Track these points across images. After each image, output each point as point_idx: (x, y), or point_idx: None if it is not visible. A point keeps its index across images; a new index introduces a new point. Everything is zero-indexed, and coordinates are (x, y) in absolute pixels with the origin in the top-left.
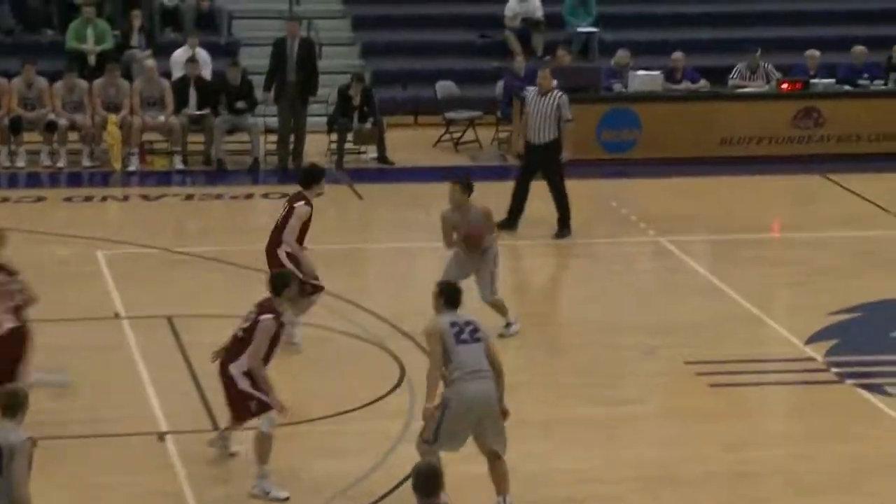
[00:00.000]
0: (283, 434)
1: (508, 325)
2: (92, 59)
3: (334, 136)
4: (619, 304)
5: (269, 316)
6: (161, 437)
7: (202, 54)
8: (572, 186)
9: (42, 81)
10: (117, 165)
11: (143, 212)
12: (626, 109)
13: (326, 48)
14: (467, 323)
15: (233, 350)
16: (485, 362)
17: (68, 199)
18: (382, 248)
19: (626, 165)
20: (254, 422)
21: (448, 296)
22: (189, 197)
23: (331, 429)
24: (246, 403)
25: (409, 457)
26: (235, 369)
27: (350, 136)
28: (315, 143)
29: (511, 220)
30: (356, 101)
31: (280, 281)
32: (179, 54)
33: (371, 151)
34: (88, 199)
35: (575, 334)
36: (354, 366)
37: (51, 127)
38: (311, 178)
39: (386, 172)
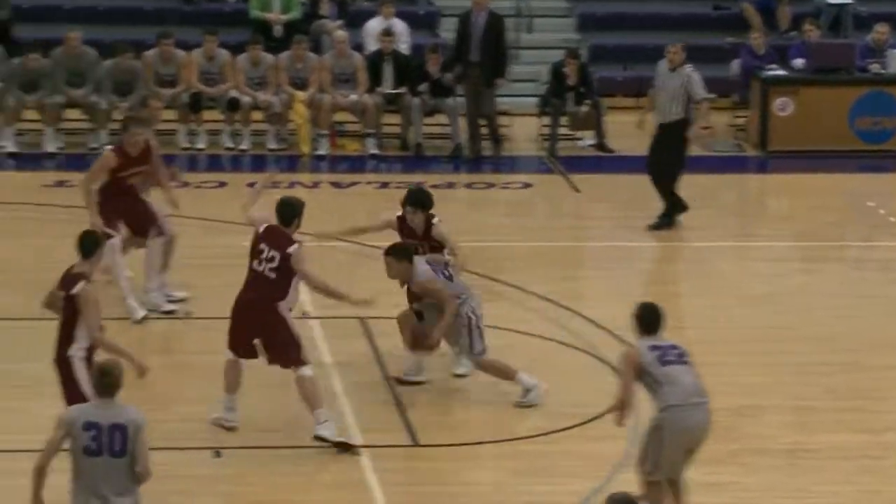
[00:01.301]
0: (487, 453)
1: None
2: (278, 30)
3: (546, 120)
4: (877, 317)
5: (296, 245)
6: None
7: (399, 26)
8: (820, 181)
9: (224, 54)
10: (305, 148)
11: (333, 200)
12: (885, 93)
13: (538, 20)
14: (672, 347)
15: (272, 290)
16: (701, 387)
17: (252, 185)
18: (601, 246)
19: (885, 158)
20: None
21: (645, 318)
22: (384, 185)
23: (541, 449)
24: (297, 345)
25: (629, 483)
26: (284, 309)
27: (564, 120)
28: (524, 126)
29: (667, 218)
30: (571, 80)
31: (289, 210)
32: (373, 25)
33: (588, 137)
34: (274, 185)
35: (826, 351)
36: (568, 379)
37: (233, 105)
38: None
39: (605, 161)
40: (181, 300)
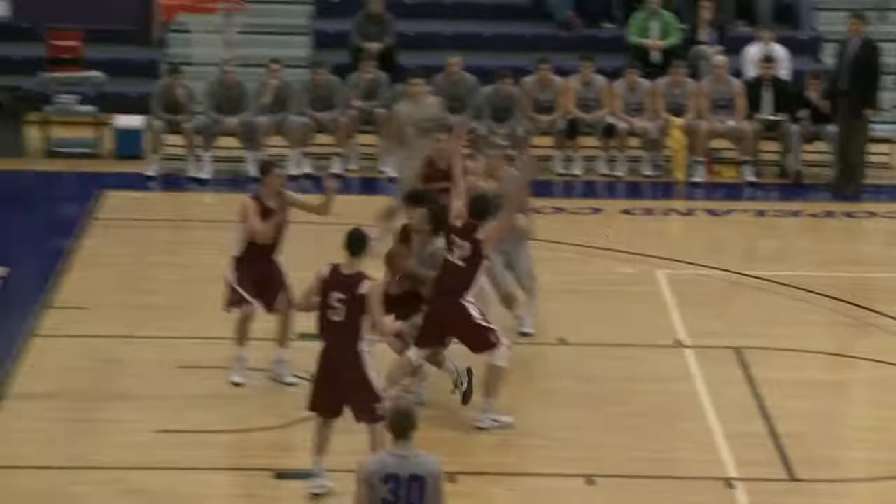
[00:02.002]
0: (866, 491)
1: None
2: (656, 56)
3: None
4: None
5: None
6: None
7: (779, 51)
8: None
9: (601, 80)
10: (681, 175)
11: (708, 228)
12: None
13: None
14: None
15: (459, 281)
16: None
17: (627, 212)
18: None
19: None
20: None
21: None
22: (760, 213)
23: None
24: (486, 335)
25: None
26: (468, 301)
27: None
28: None
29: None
30: None
31: (482, 204)
32: (753, 51)
33: None
34: (649, 211)
35: None
36: None
37: (609, 131)
38: None
39: None
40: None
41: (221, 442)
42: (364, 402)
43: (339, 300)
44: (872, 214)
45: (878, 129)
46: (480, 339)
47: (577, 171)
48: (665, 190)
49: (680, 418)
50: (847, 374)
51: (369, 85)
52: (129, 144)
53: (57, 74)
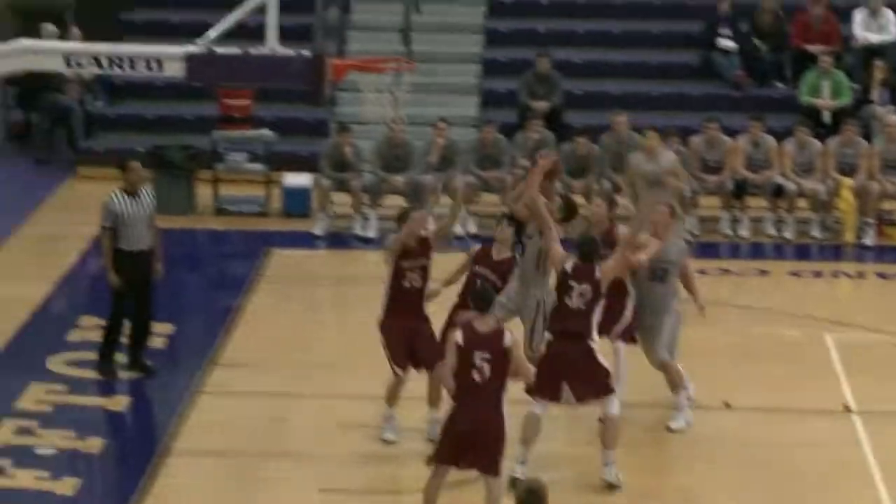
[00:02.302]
0: None
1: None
2: (826, 116)
3: None
4: None
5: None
6: None
7: None
8: None
9: (769, 140)
10: (850, 237)
11: (879, 292)
12: None
13: None
14: None
15: (582, 323)
16: None
17: (795, 274)
18: None
19: None
20: None
21: None
22: None
23: None
24: (607, 380)
25: None
26: (594, 343)
27: None
28: None
29: None
30: None
31: (591, 247)
32: None
33: None
34: (817, 274)
35: None
36: None
37: (778, 191)
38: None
39: None
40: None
41: (381, 502)
42: (490, 455)
43: (484, 359)
44: None
45: None
46: (602, 384)
47: (744, 233)
48: (834, 252)
49: (848, 487)
50: None
51: (536, 144)
52: (296, 203)
53: (228, 133)
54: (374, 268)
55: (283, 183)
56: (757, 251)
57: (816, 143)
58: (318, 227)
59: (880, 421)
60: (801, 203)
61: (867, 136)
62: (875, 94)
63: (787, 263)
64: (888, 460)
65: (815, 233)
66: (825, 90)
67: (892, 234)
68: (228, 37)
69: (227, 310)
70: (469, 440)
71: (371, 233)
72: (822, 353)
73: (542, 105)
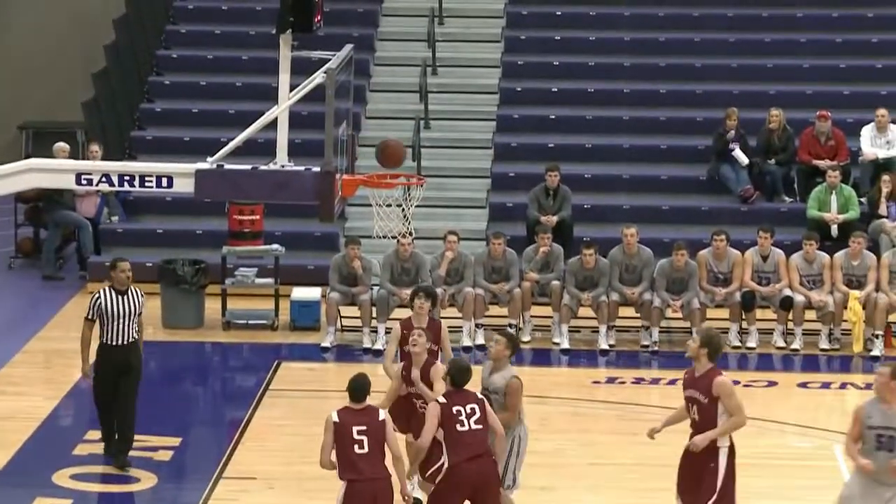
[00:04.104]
0: None
1: None
2: (834, 230)
3: None
4: None
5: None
6: None
7: None
8: None
9: (778, 253)
10: (858, 348)
11: None
12: None
13: None
14: None
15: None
16: None
17: (803, 385)
18: None
19: None
20: None
21: None
22: None
23: None
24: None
25: None
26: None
27: None
28: None
29: None
30: None
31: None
32: None
33: None
34: (825, 385)
35: None
36: None
37: (786, 303)
38: None
39: None
40: None
41: None
42: None
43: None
44: None
45: None
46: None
47: (752, 344)
48: (842, 363)
49: None
50: None
51: (545, 257)
52: (305, 316)
53: (237, 248)
54: (382, 381)
55: (292, 296)
56: (765, 363)
57: (824, 256)
58: (326, 340)
59: None
60: (809, 315)
61: (875, 249)
62: (883, 207)
63: (796, 375)
64: None
65: (823, 344)
66: (833, 204)
67: None
68: (239, 153)
69: (234, 422)
70: None
71: (379, 345)
72: (832, 465)
73: (551, 219)
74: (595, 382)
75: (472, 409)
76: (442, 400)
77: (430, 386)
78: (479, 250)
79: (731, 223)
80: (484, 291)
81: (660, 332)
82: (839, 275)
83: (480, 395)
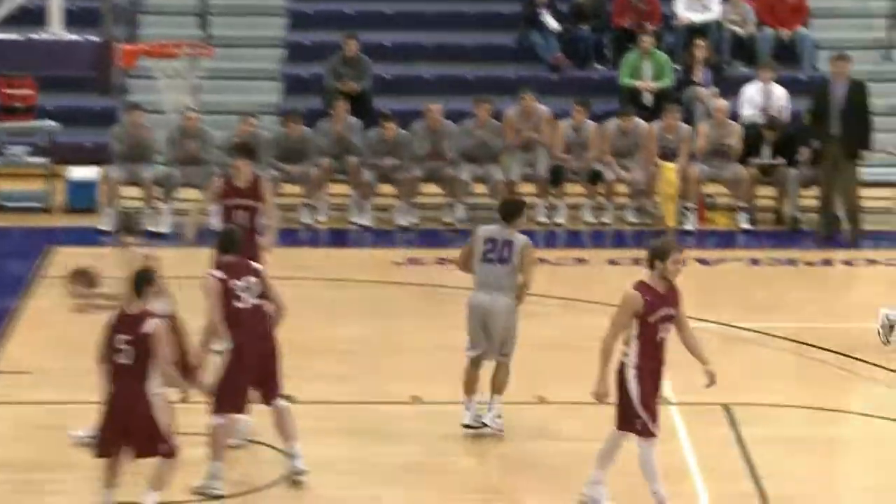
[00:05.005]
0: None
1: None
2: (648, 98)
3: None
4: None
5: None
6: None
7: (778, 92)
8: None
9: (590, 125)
10: (671, 223)
11: (699, 278)
12: None
13: None
14: None
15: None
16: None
17: (613, 262)
18: None
19: None
20: None
21: None
22: (754, 262)
23: None
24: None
25: None
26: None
27: None
28: None
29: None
30: None
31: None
32: (751, 92)
33: None
34: (636, 262)
35: None
36: None
37: (596, 177)
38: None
39: None
40: None
41: None
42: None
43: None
44: (872, 262)
45: (881, 174)
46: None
47: (560, 220)
48: (654, 238)
49: (664, 479)
50: (842, 430)
51: (341, 132)
52: (82, 197)
53: (8, 124)
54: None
55: (68, 176)
56: (574, 239)
57: (640, 124)
58: (104, 223)
59: (698, 412)
60: (621, 188)
61: (689, 119)
62: (698, 74)
63: (606, 251)
64: (705, 453)
65: (634, 218)
66: (646, 71)
67: (713, 219)
68: (9, 22)
69: (4, 313)
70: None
71: (163, 228)
72: None
73: (350, 86)
74: (396, 263)
75: (250, 283)
76: (218, 275)
77: None
78: (272, 126)
79: (541, 93)
80: (278, 173)
81: (466, 208)
82: (653, 147)
83: (257, 266)
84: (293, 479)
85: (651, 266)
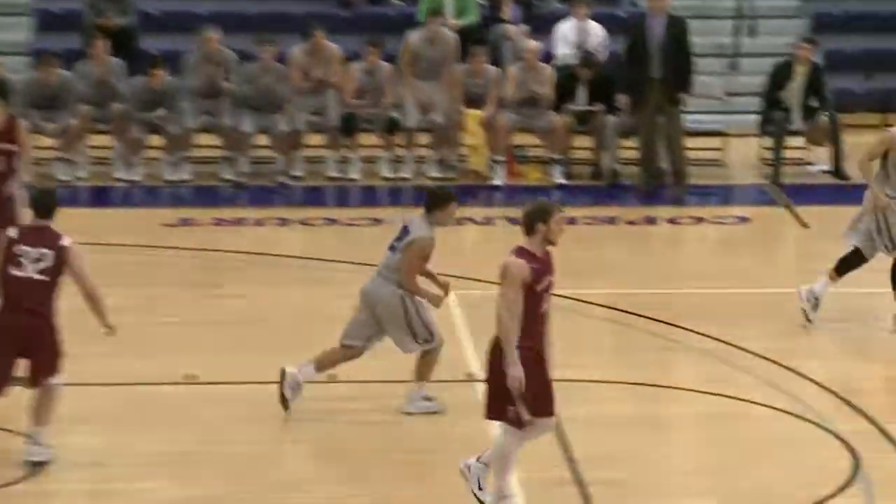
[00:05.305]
0: None
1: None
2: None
3: (768, 141)
4: None
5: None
6: None
7: (595, 30)
8: None
9: (386, 68)
10: (478, 178)
11: (508, 239)
12: None
13: (763, 22)
14: None
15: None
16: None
17: None
18: (833, 294)
19: None
20: None
21: None
22: (570, 221)
23: None
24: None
25: None
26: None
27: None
28: (743, 149)
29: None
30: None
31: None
32: (565, 30)
33: (821, 161)
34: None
35: None
36: (789, 453)
37: (393, 126)
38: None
39: (840, 191)
40: None
41: None
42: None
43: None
44: (699, 220)
45: (707, 122)
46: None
47: (354, 175)
48: (461, 193)
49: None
50: (668, 408)
51: (103, 76)
52: None
53: None
54: None
55: None
56: (371, 196)
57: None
58: None
59: None
60: (422, 139)
61: (497, 60)
62: (506, 11)
63: (404, 210)
64: None
65: (436, 172)
66: (448, 7)
67: (524, 173)
68: None
69: None
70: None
71: None
72: (443, 313)
73: (110, 23)
74: (166, 225)
75: (42, 255)
76: (13, 233)
77: None
78: (22, 67)
79: (331, 31)
80: (30, 123)
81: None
82: (457, 92)
83: (67, 244)
84: (34, 469)
85: (530, 230)
